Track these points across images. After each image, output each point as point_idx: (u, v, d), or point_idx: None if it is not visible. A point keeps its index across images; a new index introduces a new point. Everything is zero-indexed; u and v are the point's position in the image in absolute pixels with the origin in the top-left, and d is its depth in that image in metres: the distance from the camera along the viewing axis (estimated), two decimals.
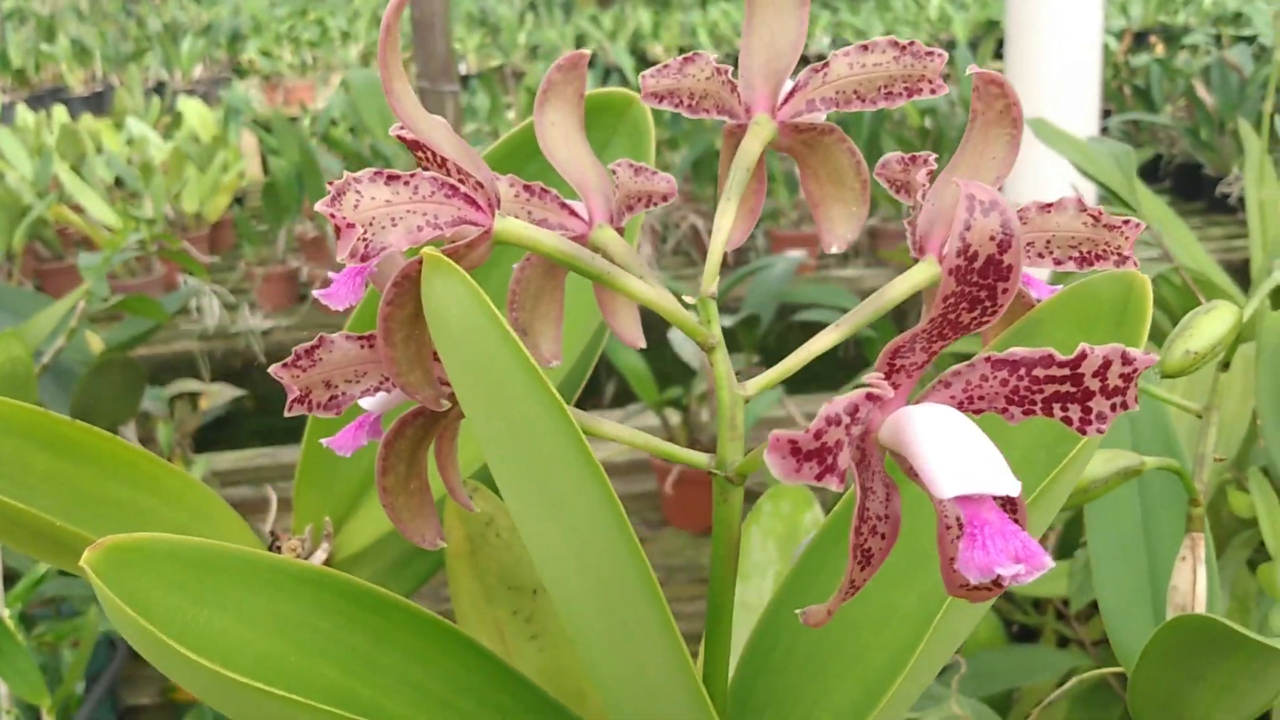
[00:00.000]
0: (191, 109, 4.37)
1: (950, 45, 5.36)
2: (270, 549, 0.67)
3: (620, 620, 0.37)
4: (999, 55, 2.65)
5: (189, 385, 2.48)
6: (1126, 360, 0.33)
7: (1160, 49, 4.81)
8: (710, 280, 0.45)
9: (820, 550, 0.52)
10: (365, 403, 0.44)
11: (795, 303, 2.62)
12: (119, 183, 3.78)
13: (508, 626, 0.62)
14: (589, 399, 3.04)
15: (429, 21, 2.83)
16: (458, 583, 0.62)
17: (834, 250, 0.50)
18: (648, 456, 2.16)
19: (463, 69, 6.07)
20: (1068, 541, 1.48)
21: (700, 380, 2.40)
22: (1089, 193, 2.01)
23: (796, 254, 2.85)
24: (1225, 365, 0.65)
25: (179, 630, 0.40)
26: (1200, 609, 0.64)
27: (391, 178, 0.37)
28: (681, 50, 6.35)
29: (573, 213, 0.48)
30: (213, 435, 2.69)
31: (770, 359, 2.34)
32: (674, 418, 2.42)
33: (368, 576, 0.68)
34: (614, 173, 0.50)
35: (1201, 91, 3.42)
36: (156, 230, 3.41)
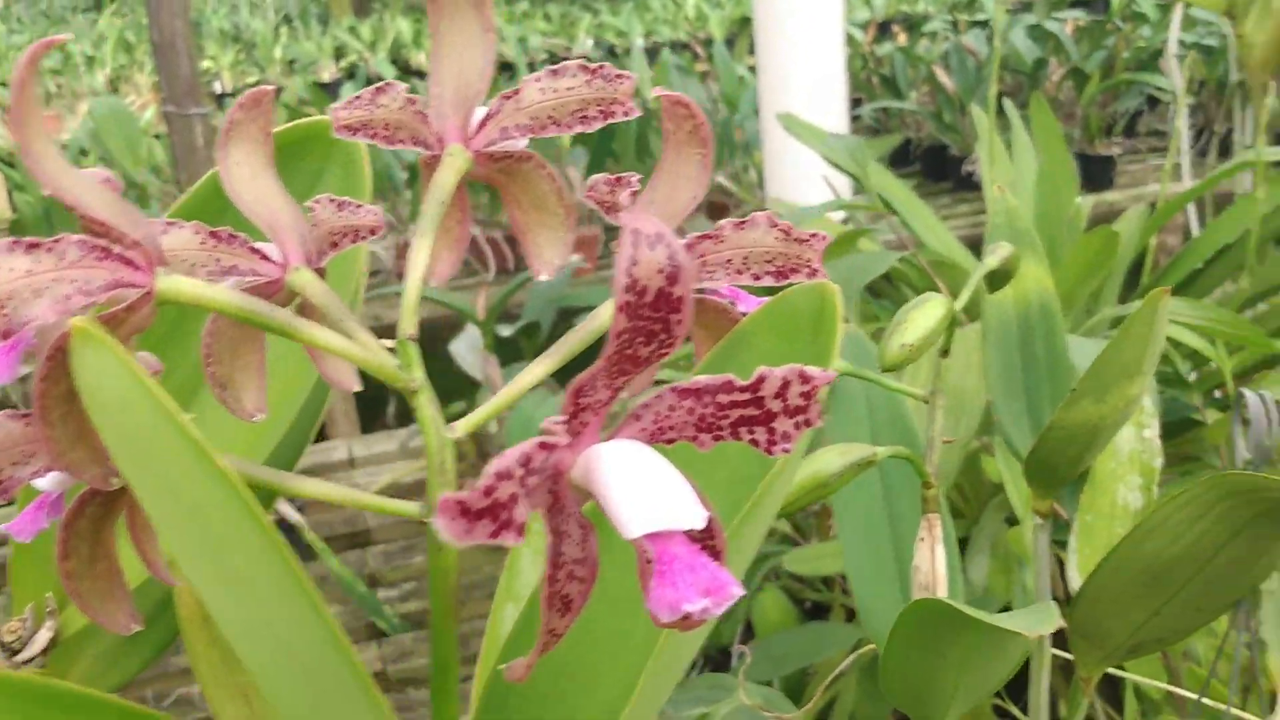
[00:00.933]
0: None
1: (708, 43, 5.48)
2: None
3: (317, 690, 0.35)
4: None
5: None
6: (805, 379, 0.34)
7: (903, 38, 5.05)
8: (409, 322, 0.43)
9: None
10: (40, 483, 0.40)
11: (575, 306, 2.62)
12: None
13: (253, 691, 0.59)
14: (375, 421, 2.97)
15: (170, 42, 2.69)
16: (194, 650, 0.59)
17: (544, 277, 0.49)
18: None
19: (217, 88, 5.83)
20: None
21: (485, 392, 2.36)
22: (842, 182, 2.09)
23: (573, 258, 2.86)
24: (945, 352, 0.68)
25: None
26: (941, 587, 0.66)
27: (32, 245, 0.34)
28: None
29: (264, 257, 0.45)
30: None
31: None
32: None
33: (99, 651, 0.64)
34: (311, 210, 0.48)
35: (942, 76, 3.61)
36: None
